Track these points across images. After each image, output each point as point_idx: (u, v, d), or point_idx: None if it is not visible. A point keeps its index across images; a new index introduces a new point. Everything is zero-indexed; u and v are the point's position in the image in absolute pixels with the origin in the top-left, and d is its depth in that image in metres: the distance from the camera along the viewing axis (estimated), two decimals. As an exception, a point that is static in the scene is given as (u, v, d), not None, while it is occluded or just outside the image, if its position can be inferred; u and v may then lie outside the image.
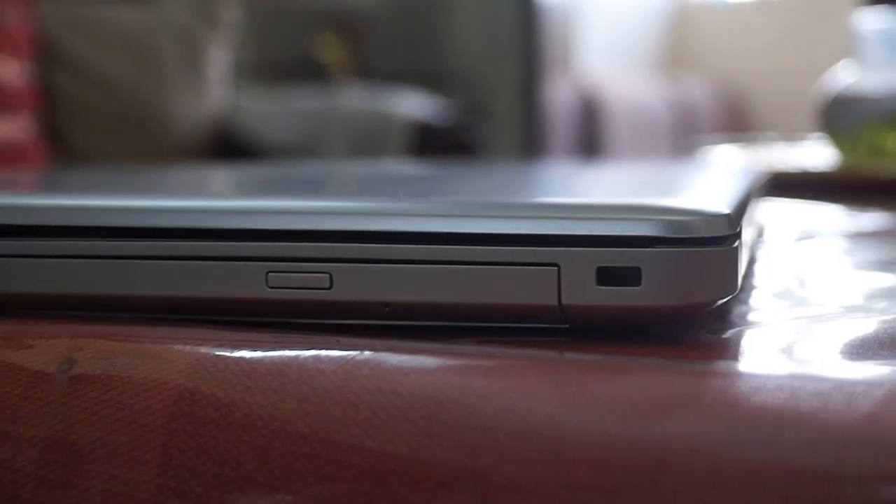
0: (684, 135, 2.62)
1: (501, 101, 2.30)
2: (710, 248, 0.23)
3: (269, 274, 0.24)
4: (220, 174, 0.48)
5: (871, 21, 0.87)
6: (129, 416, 0.22)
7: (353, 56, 2.37)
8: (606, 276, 0.23)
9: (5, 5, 1.41)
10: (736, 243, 0.23)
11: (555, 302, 0.23)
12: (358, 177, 0.43)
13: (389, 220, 0.23)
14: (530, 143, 2.28)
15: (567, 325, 0.24)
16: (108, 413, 0.22)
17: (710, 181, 0.32)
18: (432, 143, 1.67)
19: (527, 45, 2.32)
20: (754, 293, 0.31)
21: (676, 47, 3.17)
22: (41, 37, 1.48)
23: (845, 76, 0.87)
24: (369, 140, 1.64)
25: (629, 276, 0.22)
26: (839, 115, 0.83)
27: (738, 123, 2.91)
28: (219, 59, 1.68)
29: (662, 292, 0.22)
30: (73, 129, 1.53)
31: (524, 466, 0.19)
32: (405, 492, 0.19)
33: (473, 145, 1.81)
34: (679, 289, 0.22)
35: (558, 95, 2.45)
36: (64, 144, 1.51)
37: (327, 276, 0.24)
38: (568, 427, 0.19)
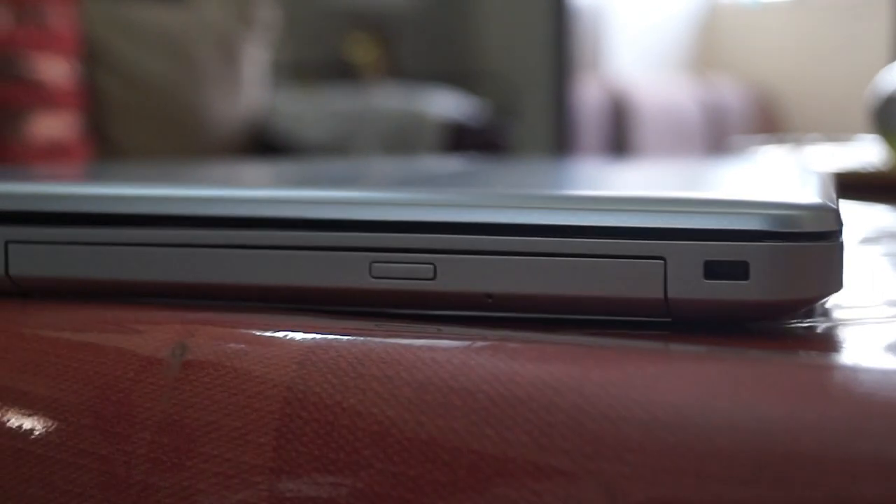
0: (715, 136, 2.61)
1: (531, 101, 2.30)
2: (818, 242, 0.23)
3: (374, 264, 0.25)
4: (295, 168, 0.48)
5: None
6: (242, 400, 0.23)
7: (385, 57, 2.38)
8: (714, 269, 0.23)
9: (52, 6, 1.42)
10: (841, 239, 0.23)
11: (661, 295, 0.23)
12: (431, 170, 0.43)
13: (495, 212, 0.24)
14: (560, 143, 2.28)
15: (670, 319, 0.24)
16: (220, 397, 0.23)
17: (795, 178, 0.32)
18: (464, 142, 1.67)
19: (557, 45, 2.32)
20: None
21: (707, 48, 3.16)
22: (85, 37, 1.50)
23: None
24: (403, 140, 1.65)
25: (737, 271, 0.23)
26: (893, 115, 0.82)
27: (769, 125, 2.90)
28: (255, 59, 1.69)
29: (770, 287, 0.23)
30: (115, 127, 1.54)
31: (649, 456, 0.19)
32: (526, 479, 0.20)
33: (504, 145, 1.81)
34: (787, 284, 0.23)
35: (588, 96, 2.44)
36: (106, 142, 1.52)
37: (431, 266, 0.24)
38: (693, 418, 0.19)
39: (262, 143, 1.67)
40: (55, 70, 1.41)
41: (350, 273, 0.25)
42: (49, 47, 1.41)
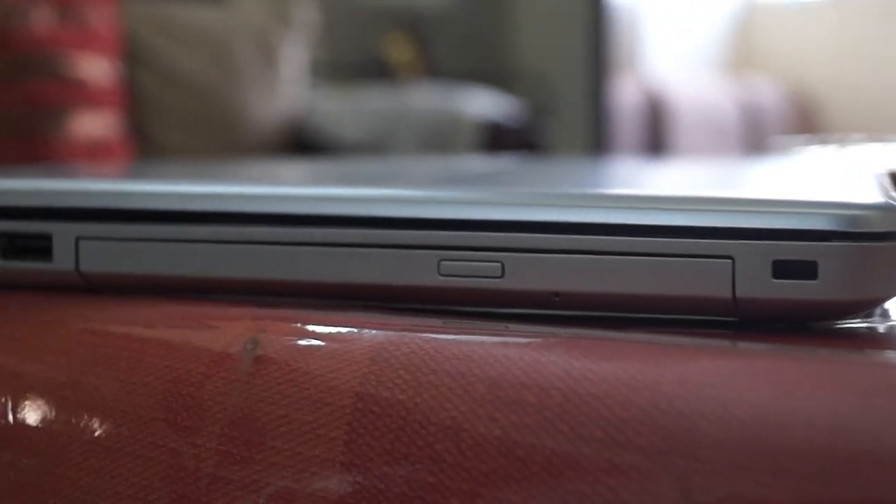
0: (752, 136, 2.60)
1: (568, 100, 2.30)
2: (887, 242, 0.23)
3: (442, 262, 0.25)
4: (348, 167, 0.48)
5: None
6: (313, 395, 0.23)
7: (421, 56, 2.38)
8: (782, 269, 0.23)
9: (93, 6, 1.43)
10: None
11: (728, 294, 0.23)
12: (482, 170, 0.43)
13: (564, 211, 0.24)
14: (597, 143, 2.28)
15: (737, 319, 0.24)
16: (291, 392, 0.23)
17: (853, 178, 0.32)
18: (501, 142, 1.67)
19: (594, 44, 2.31)
20: None
21: (744, 47, 3.15)
22: (125, 36, 1.51)
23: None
24: (440, 139, 1.65)
25: (806, 270, 0.23)
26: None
27: (807, 125, 2.88)
28: (293, 59, 1.70)
29: (838, 287, 0.23)
30: (154, 126, 1.56)
31: (724, 453, 0.19)
32: (600, 475, 0.20)
33: (541, 145, 1.81)
34: (855, 283, 0.23)
35: (624, 95, 2.44)
36: (145, 141, 1.53)
37: (499, 265, 0.25)
38: (769, 415, 0.19)
39: (300, 143, 1.68)
40: (96, 69, 1.43)
41: (418, 271, 0.25)
42: (90, 47, 1.43)
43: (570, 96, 2.31)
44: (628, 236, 0.24)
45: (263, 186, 0.26)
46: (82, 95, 1.41)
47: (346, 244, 0.25)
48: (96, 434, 0.25)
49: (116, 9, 1.48)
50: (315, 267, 0.26)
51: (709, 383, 0.20)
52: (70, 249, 0.28)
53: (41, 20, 1.39)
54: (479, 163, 0.53)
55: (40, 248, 0.28)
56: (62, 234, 0.28)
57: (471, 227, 0.25)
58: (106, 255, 0.27)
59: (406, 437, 0.22)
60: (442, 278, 0.25)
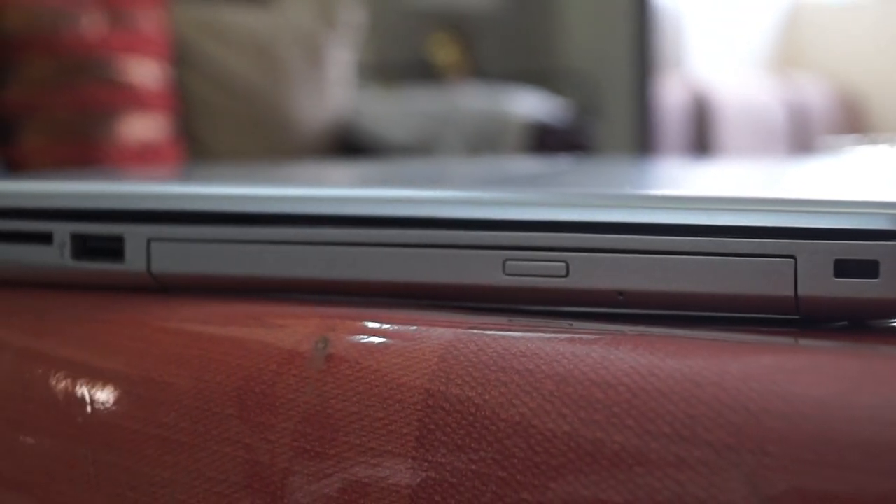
0: (799, 136, 2.58)
1: (614, 100, 2.29)
2: None
3: (507, 262, 0.25)
4: (405, 168, 0.49)
5: None
6: (384, 392, 0.24)
7: (467, 56, 2.39)
8: (844, 268, 0.23)
9: (142, 10, 1.45)
10: None
11: (791, 293, 0.24)
12: (542, 170, 0.44)
13: (628, 212, 0.24)
14: (642, 142, 2.27)
15: (798, 317, 0.24)
16: (363, 389, 0.24)
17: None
18: (548, 142, 1.67)
19: (639, 44, 2.31)
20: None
21: (789, 46, 3.13)
22: (174, 40, 1.53)
23: None
24: (487, 140, 1.66)
25: (867, 269, 0.23)
26: None
27: (854, 125, 2.86)
28: (340, 60, 1.71)
29: None
30: (203, 128, 1.57)
31: (791, 447, 0.19)
32: (669, 469, 0.20)
33: (588, 145, 1.81)
34: None
35: (670, 95, 2.43)
36: (195, 144, 1.55)
37: (564, 264, 0.25)
38: (835, 411, 0.19)
39: (346, 144, 1.69)
40: (146, 73, 1.45)
41: (484, 270, 0.26)
42: (140, 50, 1.45)
43: (615, 96, 2.31)
44: (693, 236, 0.24)
45: (330, 189, 0.27)
46: (132, 99, 1.43)
47: (413, 245, 0.26)
48: (172, 430, 0.26)
49: (165, 12, 1.50)
50: (383, 267, 0.26)
51: (773, 379, 0.20)
52: (142, 251, 0.28)
53: (91, 25, 1.41)
54: (534, 164, 0.53)
55: (112, 249, 0.29)
56: (134, 235, 0.28)
57: (536, 228, 0.25)
58: (177, 256, 0.28)
59: (476, 432, 0.22)
60: (507, 278, 0.26)
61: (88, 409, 0.27)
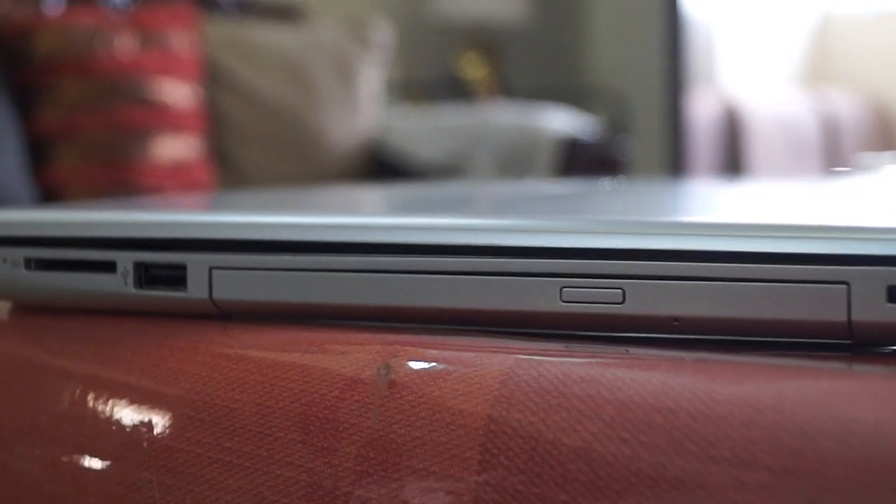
0: (832, 151, 2.57)
1: (644, 116, 2.30)
2: None
3: (564, 289, 0.26)
4: (456, 192, 0.50)
5: None
6: (446, 417, 0.24)
7: (496, 73, 2.40)
8: None
9: (175, 31, 1.47)
10: None
11: (844, 318, 0.24)
12: (585, 192, 0.44)
13: (684, 239, 0.25)
14: (674, 158, 2.27)
15: (850, 342, 0.25)
16: (426, 414, 0.24)
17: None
18: (579, 159, 1.68)
19: (670, 60, 2.31)
20: None
21: (821, 59, 3.12)
22: (206, 60, 1.54)
23: None
24: (518, 156, 1.66)
25: None
26: None
27: (886, 136, 2.85)
28: (370, 79, 1.73)
29: None
30: (235, 148, 1.59)
31: (848, 470, 0.20)
32: (729, 492, 0.21)
33: (619, 161, 1.81)
34: None
35: (701, 110, 2.43)
36: (227, 163, 1.56)
37: (620, 291, 0.26)
38: (890, 434, 0.20)
39: (377, 162, 1.70)
40: (178, 93, 1.46)
41: (541, 297, 0.26)
42: (172, 71, 1.47)
43: (646, 112, 2.31)
44: (747, 263, 0.25)
45: (389, 217, 0.28)
46: (165, 119, 1.44)
47: (471, 272, 0.27)
48: (234, 454, 0.27)
49: (196, 33, 1.52)
50: (442, 294, 0.27)
51: (829, 403, 0.21)
52: (204, 279, 0.29)
53: (124, 46, 1.42)
54: (576, 186, 0.54)
55: (174, 277, 0.30)
56: (196, 264, 0.29)
57: (593, 256, 0.26)
58: (238, 283, 0.29)
59: (538, 457, 0.23)
60: (564, 304, 0.26)
61: (153, 433, 0.28)
